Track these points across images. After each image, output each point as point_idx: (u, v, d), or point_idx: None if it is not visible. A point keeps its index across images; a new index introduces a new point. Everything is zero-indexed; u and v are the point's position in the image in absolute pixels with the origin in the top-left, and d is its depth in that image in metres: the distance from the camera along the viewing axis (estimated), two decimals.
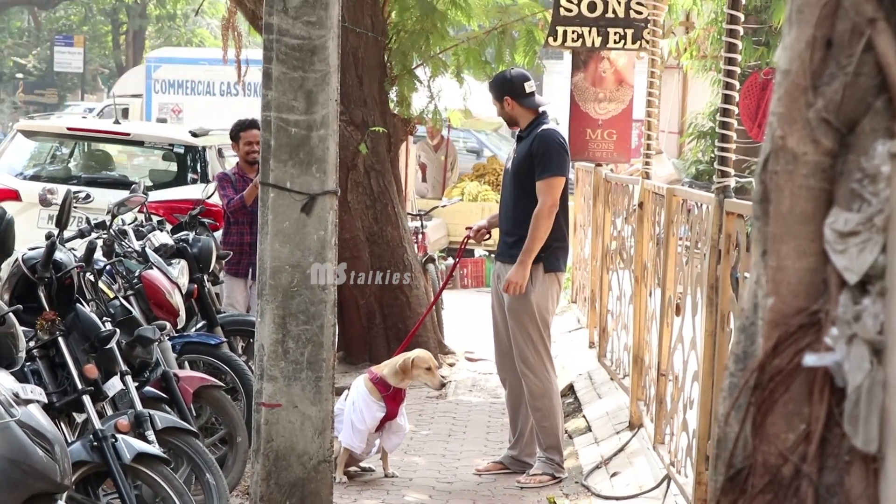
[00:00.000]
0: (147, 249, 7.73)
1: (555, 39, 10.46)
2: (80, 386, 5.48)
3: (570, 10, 10.37)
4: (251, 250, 8.90)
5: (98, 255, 7.03)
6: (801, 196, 2.33)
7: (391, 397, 7.67)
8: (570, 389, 9.89)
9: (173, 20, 43.63)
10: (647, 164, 8.62)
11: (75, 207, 7.96)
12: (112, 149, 13.99)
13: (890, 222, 2.17)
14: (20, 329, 4.99)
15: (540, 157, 7.55)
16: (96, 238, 7.53)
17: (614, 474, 7.44)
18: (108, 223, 7.98)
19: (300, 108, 5.80)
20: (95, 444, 5.32)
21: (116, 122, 13.31)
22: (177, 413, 6.46)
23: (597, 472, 7.62)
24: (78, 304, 5.75)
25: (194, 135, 12.67)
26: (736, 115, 5.93)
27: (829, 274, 2.29)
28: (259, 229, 5.90)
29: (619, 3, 10.31)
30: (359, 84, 10.85)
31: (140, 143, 13.33)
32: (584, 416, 9.07)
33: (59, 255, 5.81)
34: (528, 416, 7.82)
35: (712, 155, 15.25)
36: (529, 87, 7.75)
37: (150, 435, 5.68)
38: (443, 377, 8.48)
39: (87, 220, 8.02)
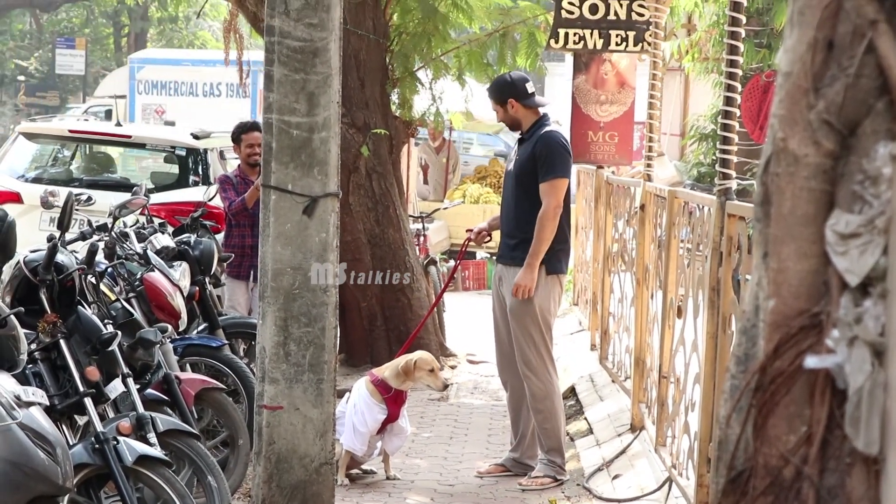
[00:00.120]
0: (148, 252, 7.73)
1: (556, 41, 10.46)
2: (81, 388, 5.48)
3: (571, 13, 10.36)
4: (253, 253, 8.90)
5: (100, 257, 7.03)
6: (803, 198, 2.33)
7: (392, 399, 7.67)
8: (572, 391, 9.89)
9: (175, 22, 43.63)
10: (648, 166, 8.62)
11: (77, 210, 7.96)
12: (114, 151, 13.99)
13: (891, 224, 2.17)
14: (22, 331, 4.99)
15: (543, 159, 7.55)
16: (98, 240, 7.51)
17: (616, 476, 7.44)
18: (109, 225, 7.98)
19: (302, 111, 5.80)
20: (97, 446, 5.32)
21: (118, 124, 13.31)
22: (178, 415, 6.46)
23: (598, 475, 7.62)
24: (79, 307, 5.75)
25: (196, 137, 12.68)
26: (737, 118, 5.93)
27: (831, 276, 2.29)
28: (261, 231, 5.91)
29: (621, 5, 10.31)
30: (360, 86, 10.85)
31: (142, 146, 13.33)
32: (585, 419, 9.07)
33: (60, 257, 5.81)
34: (530, 419, 7.81)
35: (714, 157, 15.25)
36: (530, 87, 7.76)
37: (152, 437, 5.68)
38: (445, 379, 8.48)
39: (89, 223, 8.03)
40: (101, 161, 13.53)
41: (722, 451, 2.43)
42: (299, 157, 5.80)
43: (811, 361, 2.28)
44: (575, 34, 10.39)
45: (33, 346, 5.47)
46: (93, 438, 5.35)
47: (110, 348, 5.62)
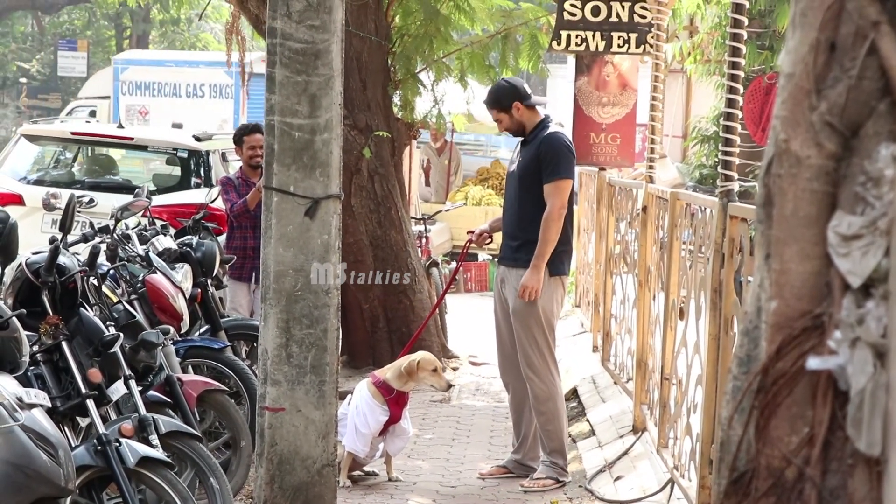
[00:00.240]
0: (151, 254, 7.74)
1: (558, 43, 10.47)
2: (83, 390, 5.48)
3: (573, 15, 10.37)
4: (255, 254, 8.90)
5: (102, 259, 7.04)
6: (805, 199, 2.33)
7: (394, 401, 7.67)
8: (574, 393, 9.89)
9: (177, 24, 43.64)
10: (650, 168, 8.62)
11: (79, 212, 7.99)
12: (116, 153, 14.00)
13: (893, 226, 2.17)
14: (24, 333, 4.99)
15: (548, 160, 7.55)
16: (100, 242, 7.52)
17: (618, 478, 7.44)
18: (111, 227, 7.99)
19: (304, 112, 5.80)
20: (99, 448, 5.32)
21: (120, 126, 13.32)
22: (180, 417, 6.46)
23: (600, 476, 7.62)
24: (81, 309, 5.75)
25: (198, 139, 12.69)
26: (740, 120, 5.93)
27: (833, 277, 2.29)
28: (263, 233, 5.91)
29: (623, 7, 10.32)
30: (362, 88, 10.85)
31: (144, 148, 13.34)
32: (587, 420, 9.07)
33: (62, 259, 5.81)
34: (532, 420, 7.81)
35: (716, 159, 15.24)
36: (528, 88, 7.81)
37: (154, 439, 5.69)
38: (448, 379, 8.48)
39: (91, 225, 8.04)
40: (102, 163, 13.54)
41: (724, 452, 2.43)
42: (301, 158, 5.81)
43: (813, 363, 2.28)
44: (577, 36, 10.40)
45: (35, 348, 5.47)
46: (95, 440, 5.35)
47: (112, 350, 5.63)
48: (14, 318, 4.87)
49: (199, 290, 8.14)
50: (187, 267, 7.95)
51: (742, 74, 5.91)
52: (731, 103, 5.84)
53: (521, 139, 7.85)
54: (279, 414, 5.87)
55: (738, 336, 2.71)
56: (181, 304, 7.48)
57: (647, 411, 7.93)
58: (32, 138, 13.51)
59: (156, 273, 7.48)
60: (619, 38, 10.37)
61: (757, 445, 2.35)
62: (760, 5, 15.28)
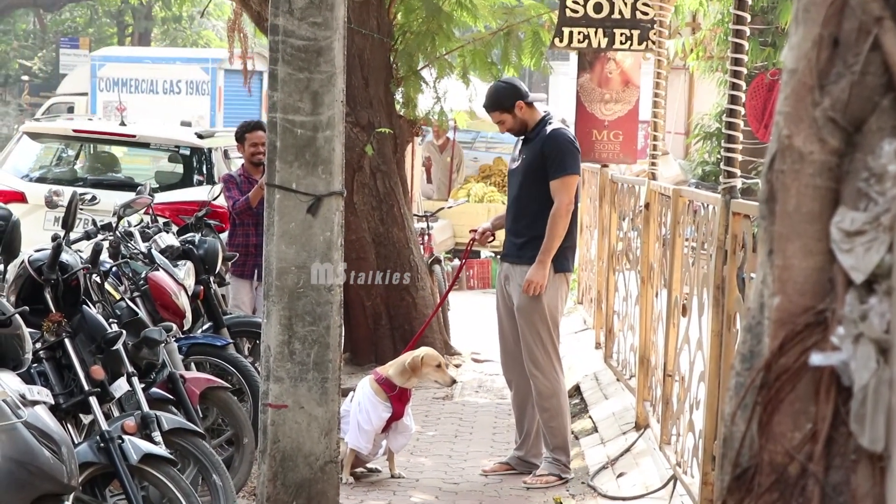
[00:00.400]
0: (153, 251, 7.74)
1: (561, 40, 10.46)
2: (86, 387, 5.49)
3: (575, 11, 10.36)
4: (257, 252, 8.91)
5: (104, 256, 7.04)
6: (808, 195, 2.33)
7: (397, 397, 7.68)
8: (577, 390, 9.89)
9: (179, 22, 43.65)
10: (653, 164, 8.62)
11: (81, 209, 7.98)
12: (118, 150, 14.00)
13: None
14: (27, 331, 4.99)
15: (553, 156, 7.55)
16: (102, 240, 7.53)
17: (620, 475, 7.44)
18: (114, 225, 7.99)
19: (306, 110, 5.80)
20: (102, 445, 5.32)
21: (122, 123, 13.32)
22: (183, 414, 6.46)
23: (603, 473, 7.62)
24: (84, 306, 5.75)
25: (200, 136, 12.69)
26: (742, 116, 5.93)
27: (836, 273, 2.29)
28: (265, 230, 5.90)
29: (626, 3, 10.31)
30: (364, 85, 10.85)
31: (146, 145, 13.34)
32: (590, 417, 9.07)
33: (65, 256, 5.81)
34: (535, 417, 7.81)
35: (718, 156, 15.24)
36: (525, 86, 7.85)
37: (157, 436, 5.69)
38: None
39: (93, 222, 8.03)
40: (105, 160, 13.54)
41: (727, 448, 2.43)
42: (303, 155, 5.80)
43: (816, 359, 2.28)
44: (579, 33, 10.39)
45: (38, 346, 5.47)
46: (98, 437, 5.36)
47: (115, 347, 5.63)
48: (17, 316, 4.87)
49: (202, 287, 8.14)
50: (190, 264, 7.95)
51: (745, 71, 5.91)
52: (733, 100, 5.83)
53: (524, 137, 7.83)
54: (282, 411, 5.87)
55: (741, 332, 2.71)
56: (184, 302, 7.47)
57: (649, 408, 7.93)
58: (35, 136, 13.51)
59: (158, 270, 7.48)
60: (621, 34, 10.36)
61: (760, 441, 2.35)
62: (763, 2, 15.28)
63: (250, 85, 12.76)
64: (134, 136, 13.15)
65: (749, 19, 5.87)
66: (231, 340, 8.00)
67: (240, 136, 9.92)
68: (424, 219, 13.88)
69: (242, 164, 9.97)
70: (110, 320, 5.95)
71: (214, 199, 10.16)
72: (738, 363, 2.45)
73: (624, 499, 7.02)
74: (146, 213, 9.17)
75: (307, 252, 5.83)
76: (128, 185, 12.10)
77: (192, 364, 7.61)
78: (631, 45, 10.40)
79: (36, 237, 9.88)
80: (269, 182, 5.87)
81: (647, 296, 8.25)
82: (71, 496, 4.82)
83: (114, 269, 7.38)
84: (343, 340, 6.58)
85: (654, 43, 9.30)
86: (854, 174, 2.28)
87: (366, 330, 11.09)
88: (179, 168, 12.82)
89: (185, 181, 12.49)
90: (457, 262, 15.83)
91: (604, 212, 11.08)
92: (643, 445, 7.73)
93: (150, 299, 7.34)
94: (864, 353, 2.19)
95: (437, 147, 19.27)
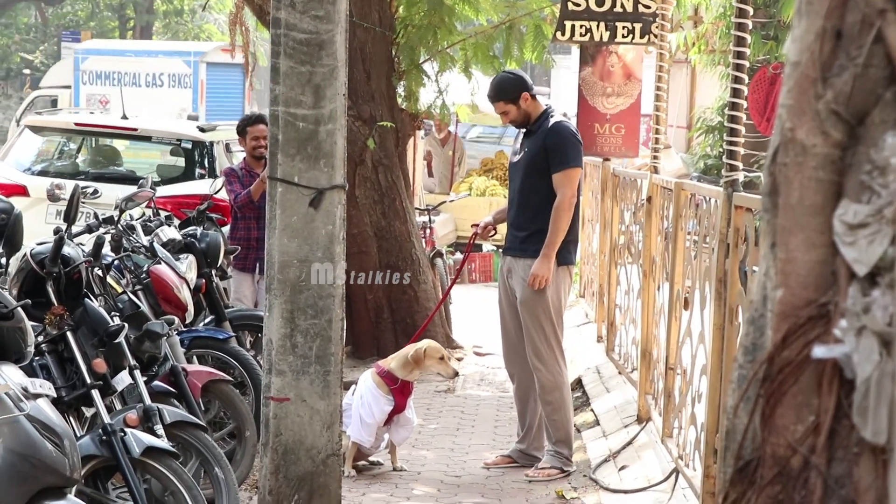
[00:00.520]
0: (155, 244, 7.74)
1: (563, 34, 10.45)
2: (88, 380, 5.49)
3: (577, 5, 10.36)
4: (259, 245, 8.91)
5: (106, 250, 7.04)
6: (811, 188, 2.32)
7: (399, 390, 7.68)
8: (579, 383, 9.89)
9: (180, 15, 43.64)
10: (655, 158, 8.62)
11: (83, 202, 7.98)
12: (120, 144, 14.01)
13: None
14: (29, 324, 4.99)
15: (556, 150, 7.55)
16: (104, 233, 7.54)
17: (622, 468, 7.44)
18: (116, 218, 7.99)
19: (308, 103, 5.79)
20: (104, 438, 5.33)
21: (124, 117, 13.32)
22: (185, 407, 6.47)
23: (605, 466, 7.62)
24: (86, 299, 5.75)
25: (202, 130, 12.69)
26: (744, 110, 5.93)
27: (839, 266, 2.29)
28: (267, 224, 5.90)
29: None
30: (366, 79, 10.85)
31: (148, 139, 13.34)
32: (592, 410, 9.08)
33: (67, 249, 5.81)
34: (537, 410, 7.82)
35: (721, 149, 15.24)
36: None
37: (159, 429, 5.69)
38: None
39: (95, 216, 8.03)
40: (107, 154, 13.55)
41: (729, 440, 2.43)
42: (305, 149, 5.80)
43: (819, 351, 2.28)
44: (581, 26, 10.39)
45: (40, 339, 5.48)
46: (100, 430, 5.36)
47: (117, 340, 5.63)
48: (19, 309, 4.87)
49: (204, 280, 8.15)
50: (192, 257, 7.95)
51: (747, 64, 5.90)
52: (735, 93, 5.83)
53: (526, 130, 7.82)
54: (284, 404, 5.87)
55: (743, 325, 2.70)
56: (186, 295, 7.48)
57: (651, 401, 7.93)
58: (37, 129, 13.52)
59: (160, 264, 7.49)
60: (623, 28, 10.35)
61: (762, 434, 2.35)
62: None
63: (249, 77, 12.74)
64: (136, 130, 13.15)
65: (751, 12, 5.87)
66: (233, 334, 8.01)
67: (241, 130, 9.92)
68: (426, 212, 13.89)
69: (244, 158, 9.97)
70: (112, 313, 5.95)
71: (216, 193, 10.17)
72: (741, 356, 2.45)
73: (626, 492, 7.02)
74: (148, 206, 9.18)
75: (309, 246, 5.83)
76: (130, 178, 12.10)
77: (194, 357, 7.61)
78: (633, 38, 10.40)
79: (38, 230, 9.88)
80: (271, 175, 5.86)
81: (649, 289, 8.25)
82: (73, 489, 4.82)
83: (116, 262, 7.38)
84: (345, 334, 6.57)
85: (656, 36, 9.29)
86: (857, 167, 2.28)
87: (367, 323, 11.09)
88: (181, 161, 12.82)
89: (186, 175, 12.50)
90: (458, 255, 15.83)
91: (606, 205, 11.08)
92: (645, 438, 7.73)
93: (152, 293, 7.35)
94: (867, 345, 2.19)
95: (438, 141, 19.26)
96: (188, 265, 7.80)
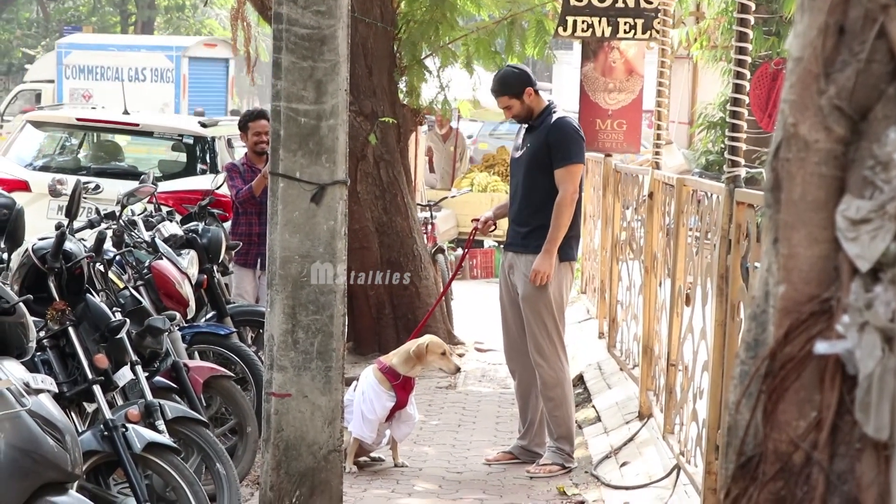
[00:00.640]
0: (157, 240, 7.74)
1: (564, 29, 10.45)
2: (90, 376, 5.49)
3: (579, 0, 10.35)
4: (260, 241, 8.91)
5: (108, 245, 7.04)
6: (813, 183, 2.32)
7: (401, 386, 7.68)
8: (580, 380, 9.89)
9: (182, 11, 43.66)
10: (656, 154, 8.61)
11: (85, 198, 7.97)
12: (121, 139, 14.01)
13: None
14: (30, 319, 4.99)
15: (558, 145, 7.55)
16: (106, 228, 7.54)
17: (624, 464, 7.44)
18: (117, 214, 7.99)
19: (310, 98, 5.79)
20: (106, 433, 5.33)
21: (126, 112, 13.32)
22: (187, 403, 6.47)
23: (606, 462, 7.62)
24: (88, 295, 5.75)
25: (203, 125, 12.69)
26: (746, 106, 5.92)
27: (841, 261, 2.28)
28: (269, 219, 5.90)
29: None
30: (368, 74, 10.84)
31: (149, 134, 13.34)
32: (593, 407, 9.07)
33: (68, 245, 5.81)
34: (538, 406, 7.82)
35: (722, 145, 15.23)
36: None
37: (161, 425, 5.69)
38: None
39: (97, 211, 8.03)
40: (108, 149, 13.54)
41: (731, 436, 2.43)
42: (307, 144, 5.80)
43: (821, 347, 2.28)
44: (583, 22, 10.38)
45: (42, 334, 5.48)
46: (101, 426, 5.36)
47: (119, 336, 5.63)
48: (21, 304, 4.87)
49: (205, 276, 8.15)
50: (193, 253, 7.95)
51: (749, 60, 5.89)
52: (737, 89, 5.82)
53: (528, 126, 7.82)
54: (285, 400, 5.87)
55: (745, 320, 2.70)
56: (187, 290, 7.48)
57: (652, 397, 7.93)
58: (38, 124, 13.52)
59: (162, 259, 7.49)
60: (625, 23, 10.35)
61: (765, 430, 2.35)
62: None
63: (250, 73, 12.72)
64: (137, 125, 13.15)
65: (753, 8, 5.86)
66: (234, 329, 8.01)
67: (243, 125, 9.91)
68: (428, 208, 13.88)
69: (245, 153, 9.96)
70: (114, 309, 5.95)
71: (218, 188, 10.16)
72: (743, 351, 2.45)
73: (627, 488, 7.02)
74: (149, 201, 9.17)
75: (311, 241, 5.83)
76: (131, 173, 12.10)
77: (196, 353, 7.62)
78: (635, 34, 10.39)
79: (39, 226, 9.89)
80: (273, 171, 5.86)
81: (651, 285, 8.24)
82: (75, 484, 4.82)
83: (117, 257, 7.39)
84: (346, 330, 6.57)
85: (657, 32, 9.28)
86: (860, 162, 2.27)
87: (369, 319, 11.10)
88: (183, 157, 12.82)
89: (188, 170, 12.49)
90: (460, 251, 15.82)
91: (607, 201, 11.07)
92: (646, 435, 7.73)
93: (154, 288, 7.35)
94: (870, 341, 2.19)
95: (440, 136, 19.26)
96: (190, 261, 7.80)
